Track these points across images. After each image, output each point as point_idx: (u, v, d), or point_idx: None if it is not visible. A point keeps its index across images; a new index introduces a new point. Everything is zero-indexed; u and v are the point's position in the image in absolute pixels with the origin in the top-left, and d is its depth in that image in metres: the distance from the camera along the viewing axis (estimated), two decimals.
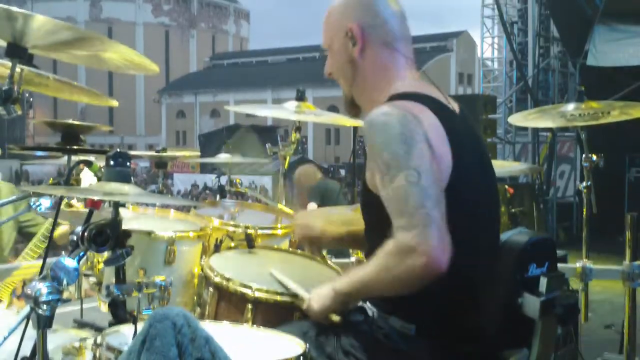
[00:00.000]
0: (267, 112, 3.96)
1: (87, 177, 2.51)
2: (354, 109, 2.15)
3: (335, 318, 1.95)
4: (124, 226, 1.77)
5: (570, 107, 3.40)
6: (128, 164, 1.81)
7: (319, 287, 2.03)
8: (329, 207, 2.54)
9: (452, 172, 1.83)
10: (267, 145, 3.61)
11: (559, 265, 2.26)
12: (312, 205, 5.23)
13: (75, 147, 2.44)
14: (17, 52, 1.83)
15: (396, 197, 1.76)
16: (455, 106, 2.02)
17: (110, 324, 1.96)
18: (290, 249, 2.81)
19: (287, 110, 3.28)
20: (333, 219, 2.43)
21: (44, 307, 1.55)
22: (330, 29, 2.09)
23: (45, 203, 2.74)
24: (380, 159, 1.81)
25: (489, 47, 17.58)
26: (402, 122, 1.81)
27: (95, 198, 1.82)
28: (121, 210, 1.80)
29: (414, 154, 1.76)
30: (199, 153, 4.65)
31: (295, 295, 2.14)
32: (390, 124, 1.82)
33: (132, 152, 2.08)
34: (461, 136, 1.91)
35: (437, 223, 1.71)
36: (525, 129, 13.94)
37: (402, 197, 1.74)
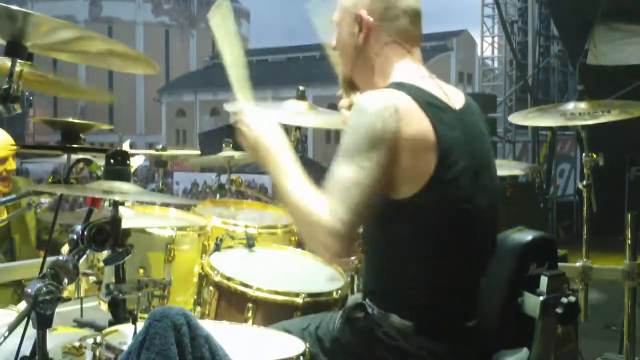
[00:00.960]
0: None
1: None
2: (351, 88, 2.15)
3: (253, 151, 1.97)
4: (124, 225, 1.77)
5: (570, 106, 3.39)
6: (127, 162, 1.81)
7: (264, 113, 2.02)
8: None
9: (435, 172, 1.82)
10: None
11: (559, 264, 2.26)
12: None
13: (75, 145, 2.44)
14: (17, 51, 1.83)
15: (339, 180, 1.78)
16: (458, 102, 1.99)
17: (110, 323, 1.96)
18: (291, 248, 2.81)
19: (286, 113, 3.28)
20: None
21: (44, 306, 1.55)
22: (343, 8, 2.08)
23: (44, 202, 2.73)
24: (345, 138, 1.84)
25: (489, 46, 17.58)
26: (377, 114, 1.80)
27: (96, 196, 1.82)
28: (121, 208, 1.80)
29: (371, 157, 1.78)
30: (199, 152, 4.65)
31: (294, 294, 2.14)
32: (367, 111, 1.82)
33: (132, 151, 2.08)
34: (454, 135, 1.88)
35: (352, 227, 1.75)
36: (525, 128, 13.93)
37: (345, 187, 1.77)
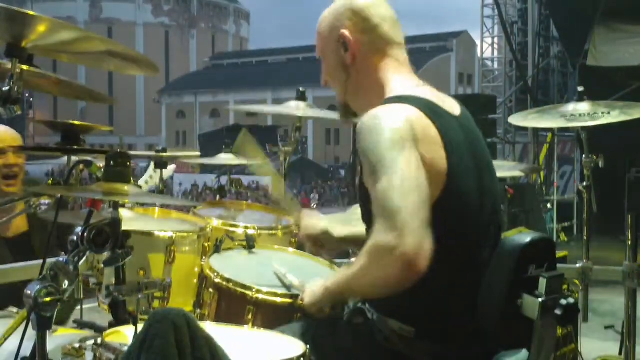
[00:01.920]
0: (270, 109, 3.97)
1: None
2: (348, 114, 2.15)
3: (327, 310, 2.00)
4: (124, 226, 1.77)
5: (570, 107, 3.40)
6: (128, 164, 1.81)
7: (313, 282, 2.05)
8: (330, 209, 2.58)
9: (448, 176, 1.82)
10: (267, 145, 3.61)
11: (559, 265, 2.26)
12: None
13: (75, 147, 2.44)
14: (17, 52, 1.83)
15: (378, 199, 1.75)
16: (455, 109, 2.00)
17: (111, 325, 1.96)
18: (291, 249, 2.81)
19: (289, 108, 3.29)
20: (335, 219, 2.44)
21: (44, 308, 1.55)
22: (323, 37, 2.09)
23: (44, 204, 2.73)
24: (367, 162, 1.81)
25: (489, 47, 17.60)
26: (391, 126, 1.79)
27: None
28: (121, 210, 1.80)
29: (399, 159, 1.75)
30: (198, 153, 4.65)
31: (294, 295, 2.14)
32: (379, 127, 1.81)
33: (132, 152, 2.08)
34: (458, 139, 1.89)
35: (414, 229, 1.68)
36: (525, 129, 13.93)
37: (383, 200, 1.73)
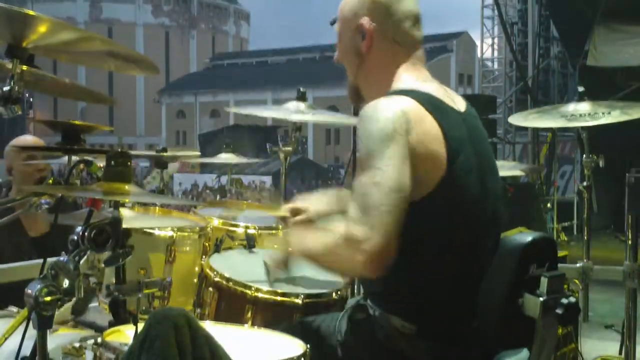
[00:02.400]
0: (268, 113, 3.97)
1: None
2: (357, 98, 2.15)
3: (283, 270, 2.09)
4: (124, 226, 1.77)
5: (571, 107, 3.40)
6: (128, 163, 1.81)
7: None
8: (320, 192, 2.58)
9: (447, 170, 1.82)
10: (267, 145, 3.61)
11: (559, 265, 2.26)
12: None
13: (75, 147, 2.44)
14: (17, 52, 1.83)
15: (358, 190, 1.78)
16: (460, 105, 2.01)
17: (111, 324, 1.96)
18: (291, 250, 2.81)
19: (288, 111, 3.29)
20: (324, 200, 2.47)
21: (44, 307, 1.55)
22: (343, 17, 2.09)
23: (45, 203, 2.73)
24: (358, 152, 1.85)
25: (488, 47, 17.61)
26: (386, 119, 1.81)
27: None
28: (122, 210, 1.80)
29: (386, 155, 1.77)
30: (199, 153, 4.66)
31: (294, 295, 2.14)
32: (374, 119, 1.83)
33: (132, 152, 2.08)
34: (460, 135, 1.90)
35: (385, 228, 1.71)
36: (525, 129, 13.94)
37: (362, 194, 1.76)
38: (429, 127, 1.83)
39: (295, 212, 2.50)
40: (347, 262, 1.76)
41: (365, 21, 2.02)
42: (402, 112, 1.82)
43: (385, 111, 1.83)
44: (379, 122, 1.81)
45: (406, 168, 1.77)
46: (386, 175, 1.74)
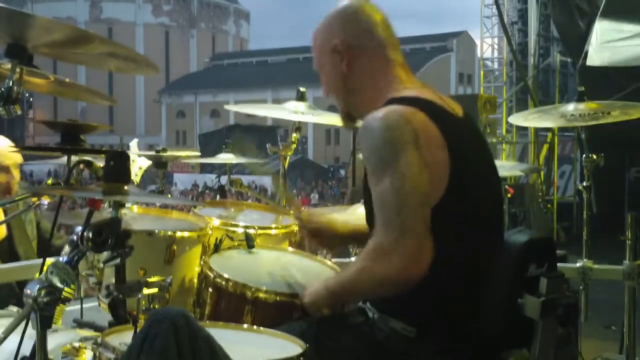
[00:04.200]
0: (267, 112, 3.97)
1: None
2: (351, 122, 2.15)
3: (326, 311, 2.00)
4: (124, 226, 1.77)
5: (571, 107, 3.40)
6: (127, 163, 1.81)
7: (314, 283, 2.06)
8: (334, 207, 2.59)
9: (451, 177, 1.82)
10: (267, 145, 3.61)
11: (559, 265, 2.26)
12: None
13: (75, 147, 2.43)
14: (17, 52, 1.83)
15: (379, 200, 1.78)
16: (457, 109, 2.01)
17: (110, 324, 1.96)
18: (291, 249, 2.81)
19: (287, 111, 3.28)
20: (338, 217, 2.45)
21: (44, 307, 1.55)
22: (318, 50, 2.10)
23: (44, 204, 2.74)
24: (369, 163, 1.84)
25: (489, 47, 17.58)
26: (393, 127, 1.81)
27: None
28: (124, 210, 1.80)
29: (400, 159, 1.77)
30: (199, 153, 4.65)
31: (294, 295, 2.14)
32: (380, 128, 1.82)
33: (139, 152, 2.08)
34: (462, 140, 1.90)
35: (415, 231, 1.72)
36: (525, 129, 13.94)
37: (385, 201, 1.76)
38: (432, 134, 1.84)
39: (315, 234, 2.47)
40: (386, 275, 1.76)
41: (338, 40, 2.02)
42: (407, 121, 1.82)
43: (391, 121, 1.82)
44: (386, 132, 1.81)
45: (424, 172, 1.77)
46: (406, 177, 1.75)
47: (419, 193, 1.76)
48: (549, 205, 12.66)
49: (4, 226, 3.47)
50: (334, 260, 2.69)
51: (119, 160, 1.82)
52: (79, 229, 1.68)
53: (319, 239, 2.45)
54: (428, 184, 1.78)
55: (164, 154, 3.54)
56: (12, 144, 3.63)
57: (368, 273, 1.80)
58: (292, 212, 2.69)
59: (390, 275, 1.74)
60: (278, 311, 2.17)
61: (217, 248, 2.58)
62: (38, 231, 3.75)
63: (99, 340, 1.77)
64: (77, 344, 2.04)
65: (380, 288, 1.82)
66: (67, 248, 1.80)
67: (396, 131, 1.80)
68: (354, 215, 2.43)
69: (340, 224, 2.40)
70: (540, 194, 12.36)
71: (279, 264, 2.52)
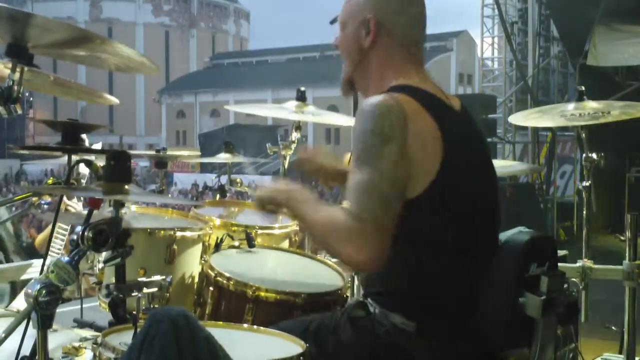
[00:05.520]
0: (267, 112, 3.96)
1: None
2: (349, 89, 2.16)
3: (269, 207, 2.04)
4: (124, 225, 1.77)
5: (571, 106, 3.40)
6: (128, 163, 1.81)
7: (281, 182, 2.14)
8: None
9: (442, 169, 1.83)
10: (267, 145, 3.61)
11: (559, 264, 2.26)
12: None
13: (75, 146, 2.43)
14: (18, 52, 1.83)
15: (355, 187, 1.80)
16: (456, 104, 2.02)
17: (111, 324, 1.96)
18: (291, 249, 2.81)
19: (287, 110, 3.28)
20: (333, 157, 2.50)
21: (44, 307, 1.55)
22: (349, 9, 2.08)
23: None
24: (355, 147, 1.85)
25: (489, 46, 17.58)
26: (384, 116, 1.82)
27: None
28: (123, 209, 1.80)
29: (384, 152, 1.79)
30: (199, 152, 4.65)
31: (294, 294, 2.14)
32: (372, 115, 1.84)
33: (132, 152, 2.08)
34: (458, 135, 1.90)
35: (380, 226, 1.75)
36: (525, 128, 13.95)
37: (359, 189, 1.79)
38: (425, 124, 1.84)
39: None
40: (338, 250, 1.81)
41: (372, 17, 2.01)
42: (399, 109, 1.83)
43: (383, 108, 1.83)
44: (377, 120, 1.82)
45: (402, 167, 1.79)
46: (384, 171, 1.77)
47: (394, 190, 1.79)
48: (548, 205, 12.67)
49: None
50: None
51: (119, 160, 1.82)
52: (79, 228, 1.68)
53: (313, 173, 2.51)
54: (405, 180, 1.80)
55: (164, 154, 3.54)
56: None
57: (327, 234, 1.83)
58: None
59: (347, 254, 1.78)
60: (278, 310, 2.18)
61: (217, 247, 2.58)
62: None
63: (99, 340, 1.77)
64: (77, 344, 2.04)
65: (328, 251, 1.98)
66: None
67: (385, 121, 1.81)
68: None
69: (334, 163, 2.47)
70: (540, 193, 12.37)
71: (279, 263, 2.53)
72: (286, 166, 3.48)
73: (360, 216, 1.75)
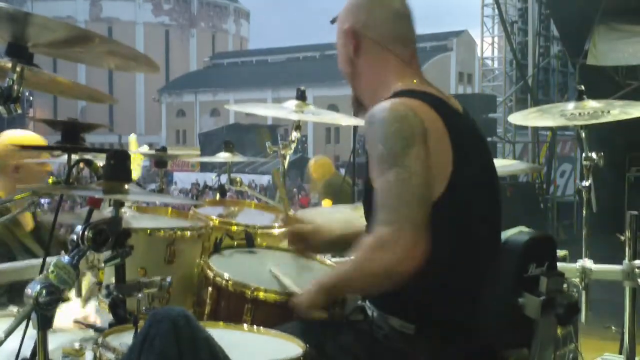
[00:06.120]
0: (267, 111, 3.96)
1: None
2: (359, 107, 2.16)
3: (321, 314, 1.97)
4: (124, 225, 1.77)
5: (570, 106, 3.39)
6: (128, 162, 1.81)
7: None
8: (334, 206, 2.58)
9: (453, 171, 1.83)
10: (267, 144, 3.60)
11: (559, 264, 2.26)
12: (327, 203, 5.17)
13: (75, 145, 2.43)
14: (17, 51, 1.83)
15: (383, 191, 1.78)
16: (459, 106, 2.02)
17: (111, 324, 1.96)
18: (291, 249, 2.80)
19: (287, 110, 3.28)
20: (333, 219, 2.45)
21: (44, 307, 1.55)
22: (338, 28, 2.12)
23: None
24: (375, 153, 1.83)
25: (489, 46, 17.59)
26: (402, 119, 1.82)
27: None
28: (122, 209, 1.80)
29: (409, 152, 1.78)
30: (199, 152, 4.66)
31: (292, 294, 2.14)
32: (389, 119, 1.83)
33: (132, 151, 2.08)
34: (464, 135, 1.91)
35: (416, 224, 1.73)
36: (525, 128, 13.96)
37: (388, 193, 1.77)
38: (437, 126, 1.85)
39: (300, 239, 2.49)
40: (383, 267, 1.76)
41: (349, 26, 2.05)
42: (416, 115, 1.83)
43: (400, 112, 1.83)
44: (395, 123, 1.81)
45: (428, 167, 1.79)
46: (412, 171, 1.76)
47: (424, 189, 1.77)
48: (548, 204, 12.68)
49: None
50: (333, 260, 2.69)
51: (119, 159, 1.82)
52: (79, 228, 1.68)
53: (305, 245, 2.47)
54: (431, 181, 1.79)
55: (164, 153, 3.53)
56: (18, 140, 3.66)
57: (366, 265, 1.80)
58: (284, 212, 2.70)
59: (388, 266, 1.74)
60: (278, 311, 2.17)
61: (217, 247, 2.58)
62: None
63: (100, 340, 1.77)
64: (77, 345, 2.04)
65: (375, 280, 1.82)
66: None
67: (405, 124, 1.81)
68: (342, 220, 2.45)
69: (327, 231, 2.41)
70: (540, 193, 12.37)
71: (278, 263, 2.52)
72: (286, 166, 3.48)
73: (391, 221, 1.73)
